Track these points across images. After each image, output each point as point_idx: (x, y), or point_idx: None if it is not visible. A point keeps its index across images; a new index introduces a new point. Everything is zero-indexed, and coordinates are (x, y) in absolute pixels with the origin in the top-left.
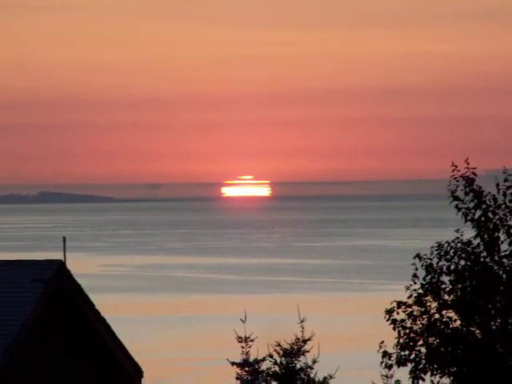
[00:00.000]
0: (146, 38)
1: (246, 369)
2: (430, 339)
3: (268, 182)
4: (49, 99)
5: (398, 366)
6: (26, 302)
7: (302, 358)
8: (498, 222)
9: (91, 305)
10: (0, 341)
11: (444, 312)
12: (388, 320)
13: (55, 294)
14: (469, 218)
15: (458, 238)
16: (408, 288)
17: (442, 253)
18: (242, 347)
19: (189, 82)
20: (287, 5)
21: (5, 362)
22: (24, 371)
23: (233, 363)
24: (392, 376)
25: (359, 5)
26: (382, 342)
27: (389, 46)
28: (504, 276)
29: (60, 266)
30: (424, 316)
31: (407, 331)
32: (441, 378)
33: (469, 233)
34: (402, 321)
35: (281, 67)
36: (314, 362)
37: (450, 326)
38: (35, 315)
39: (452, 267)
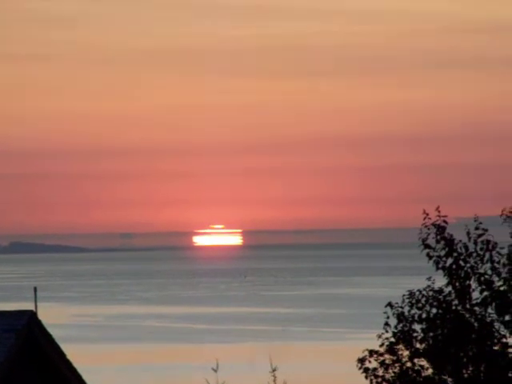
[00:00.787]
0: (115, 87)
1: None
2: None
3: (240, 230)
4: (19, 148)
5: None
6: None
7: None
8: (469, 269)
9: (62, 355)
10: None
11: (416, 360)
12: (360, 368)
13: (26, 344)
14: (440, 265)
15: (429, 286)
16: (380, 336)
17: (414, 301)
18: None
19: (160, 131)
20: (260, 53)
21: None
22: None
23: None
24: None
25: (331, 53)
26: None
27: (361, 95)
28: (475, 324)
29: (31, 316)
30: (396, 364)
31: (379, 380)
32: None
33: (440, 281)
34: (374, 369)
35: (252, 116)
36: None
37: (422, 374)
38: (6, 366)
39: (424, 315)
